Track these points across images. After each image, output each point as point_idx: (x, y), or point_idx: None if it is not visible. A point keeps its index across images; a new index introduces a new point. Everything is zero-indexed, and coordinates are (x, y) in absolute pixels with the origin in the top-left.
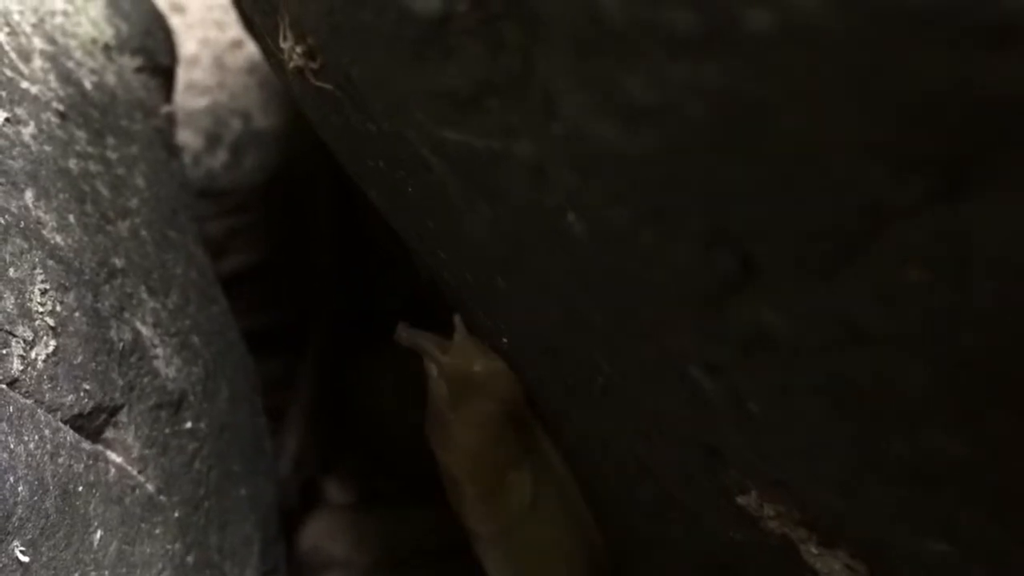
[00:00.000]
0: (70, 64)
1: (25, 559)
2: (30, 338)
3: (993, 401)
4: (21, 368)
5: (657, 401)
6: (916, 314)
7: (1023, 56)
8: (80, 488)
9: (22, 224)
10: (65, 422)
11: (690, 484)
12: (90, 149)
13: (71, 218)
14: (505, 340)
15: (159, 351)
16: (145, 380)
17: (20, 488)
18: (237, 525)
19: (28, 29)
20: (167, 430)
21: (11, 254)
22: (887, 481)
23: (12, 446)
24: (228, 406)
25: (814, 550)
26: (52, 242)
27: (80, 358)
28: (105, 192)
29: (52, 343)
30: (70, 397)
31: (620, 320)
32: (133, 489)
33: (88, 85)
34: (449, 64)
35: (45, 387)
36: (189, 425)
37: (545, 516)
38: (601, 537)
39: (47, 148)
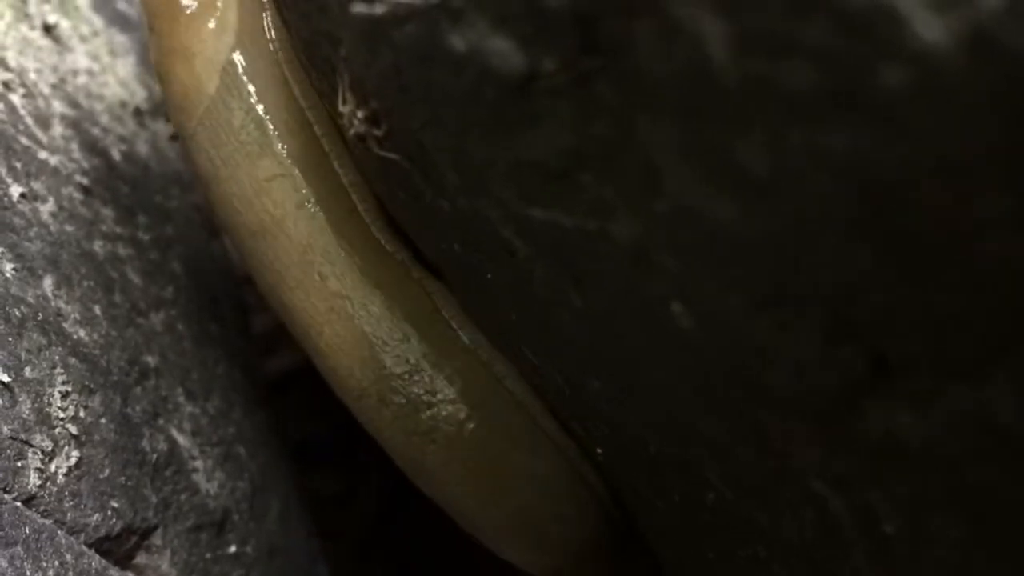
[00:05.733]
0: (95, 131)
1: None
2: (49, 448)
3: None
4: (39, 483)
5: (776, 522)
6: None
7: None
8: None
9: (40, 316)
10: (90, 545)
11: None
12: (118, 229)
13: (96, 309)
14: (600, 450)
15: (198, 463)
16: (182, 497)
17: None
18: None
19: (47, 90)
20: (208, 555)
21: (27, 351)
22: None
23: (28, 574)
24: (278, 526)
25: None
26: (75, 337)
27: (107, 471)
28: (136, 279)
29: (75, 454)
30: (95, 516)
31: (733, 427)
32: None
33: (116, 155)
34: (535, 131)
35: (67, 505)
36: (234, 549)
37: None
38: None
39: (69, 228)
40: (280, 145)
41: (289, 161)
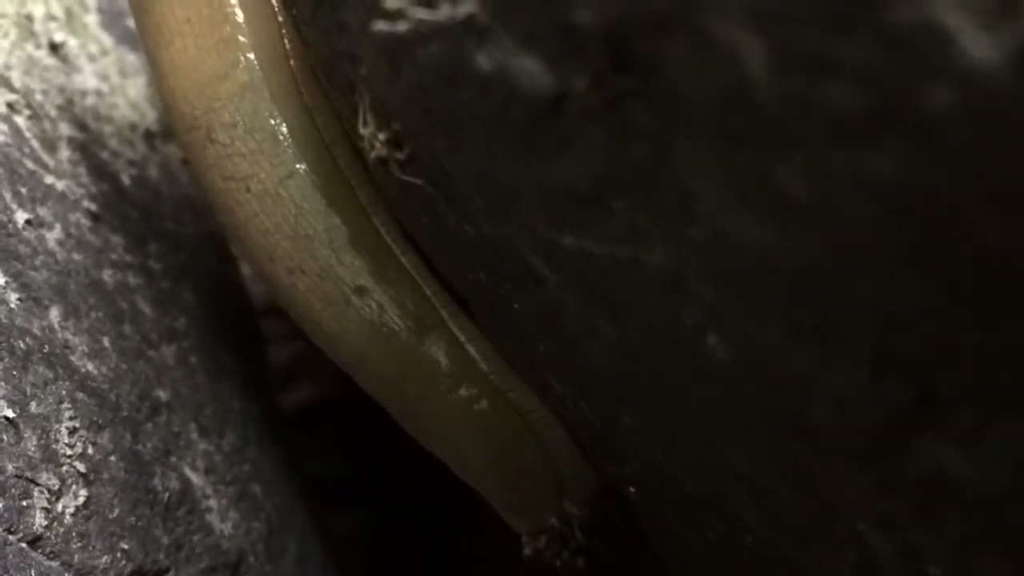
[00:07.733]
0: (104, 154)
1: None
2: (56, 487)
3: None
4: (45, 523)
5: (818, 564)
6: None
7: None
8: None
9: (46, 348)
10: None
11: None
12: (128, 257)
13: (105, 341)
14: (632, 489)
15: (212, 503)
16: (195, 538)
17: None
18: None
19: (53, 112)
20: None
21: (33, 385)
22: None
23: None
24: (295, 568)
25: None
26: (83, 370)
27: (117, 511)
28: (146, 310)
29: (83, 493)
30: (104, 559)
31: (772, 465)
32: None
33: (126, 180)
34: (565, 154)
35: (74, 546)
36: None
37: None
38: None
39: (76, 256)
40: None
41: None
